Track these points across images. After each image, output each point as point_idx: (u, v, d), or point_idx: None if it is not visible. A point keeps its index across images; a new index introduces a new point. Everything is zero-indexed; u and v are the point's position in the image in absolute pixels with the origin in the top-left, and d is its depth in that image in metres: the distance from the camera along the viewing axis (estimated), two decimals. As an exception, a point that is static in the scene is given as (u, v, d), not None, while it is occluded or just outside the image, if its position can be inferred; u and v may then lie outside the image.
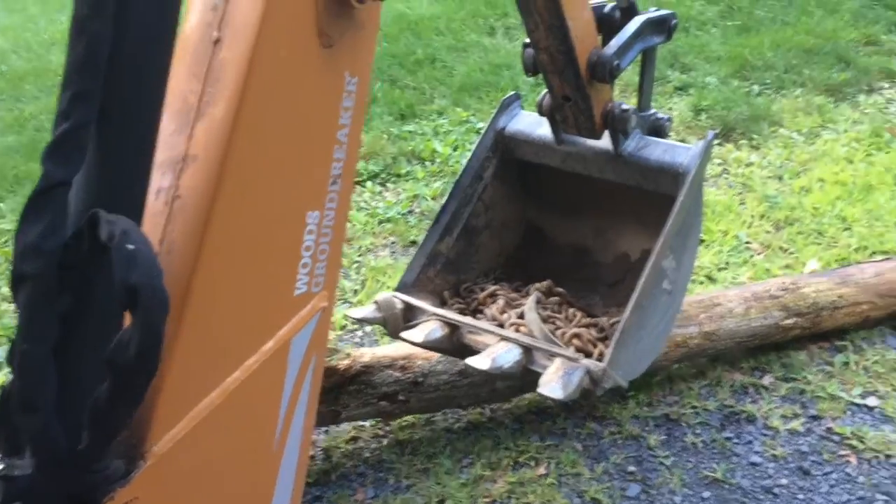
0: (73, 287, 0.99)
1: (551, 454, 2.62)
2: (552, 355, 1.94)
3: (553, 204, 2.69)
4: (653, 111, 2.31)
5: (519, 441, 2.67)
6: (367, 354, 2.47)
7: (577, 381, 1.83)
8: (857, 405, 2.79)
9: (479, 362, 1.92)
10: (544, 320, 2.14)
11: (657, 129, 2.32)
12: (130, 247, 0.92)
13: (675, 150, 2.16)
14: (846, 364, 2.97)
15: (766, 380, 2.91)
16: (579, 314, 2.35)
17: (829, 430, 2.71)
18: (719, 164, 4.37)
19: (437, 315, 2.11)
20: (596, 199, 2.56)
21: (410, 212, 4.03)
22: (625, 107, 2.12)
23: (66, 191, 0.97)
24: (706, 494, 2.50)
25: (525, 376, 1.98)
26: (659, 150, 2.17)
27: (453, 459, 2.62)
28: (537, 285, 2.15)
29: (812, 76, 5.24)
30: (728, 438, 2.69)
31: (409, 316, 2.16)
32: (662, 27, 2.16)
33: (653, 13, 2.13)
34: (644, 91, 2.22)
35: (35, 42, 6.71)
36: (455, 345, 2.11)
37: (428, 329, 2.07)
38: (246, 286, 1.20)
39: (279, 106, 1.15)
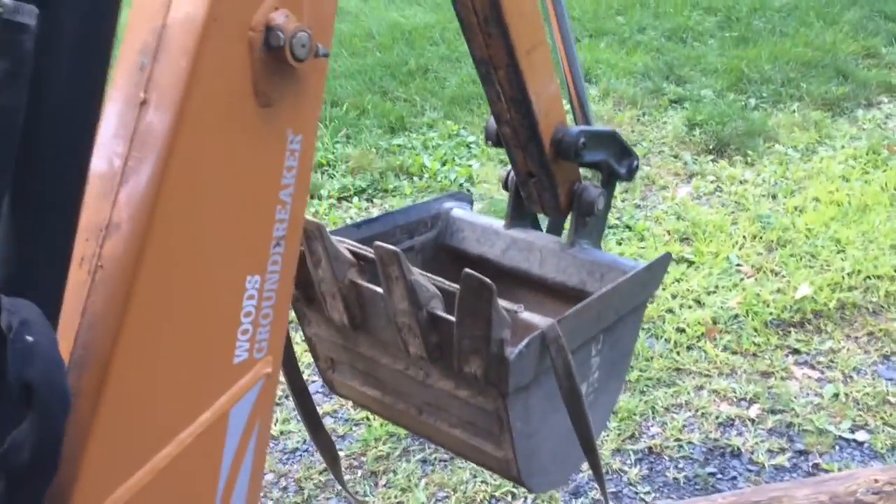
0: None
1: (530, 490, 2.56)
2: None
3: None
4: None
5: (496, 474, 2.61)
6: None
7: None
8: (846, 440, 2.72)
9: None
10: None
11: None
12: (29, 339, 0.86)
13: (630, 260, 2.04)
14: (836, 396, 2.90)
15: (753, 411, 2.85)
16: None
17: (815, 465, 2.64)
18: (712, 182, 4.29)
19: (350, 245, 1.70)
20: None
21: (396, 229, 3.96)
22: (596, 186, 1.99)
23: None
24: (687, 535, 2.44)
25: (433, 325, 1.54)
26: (611, 256, 2.07)
27: (428, 493, 2.55)
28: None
29: (809, 90, 5.16)
30: (711, 474, 2.62)
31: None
32: (626, 158, 2.03)
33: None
34: (599, 229, 2.06)
35: None
36: (350, 291, 1.66)
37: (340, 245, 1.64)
38: (177, 357, 1.13)
39: (211, 169, 1.08)
